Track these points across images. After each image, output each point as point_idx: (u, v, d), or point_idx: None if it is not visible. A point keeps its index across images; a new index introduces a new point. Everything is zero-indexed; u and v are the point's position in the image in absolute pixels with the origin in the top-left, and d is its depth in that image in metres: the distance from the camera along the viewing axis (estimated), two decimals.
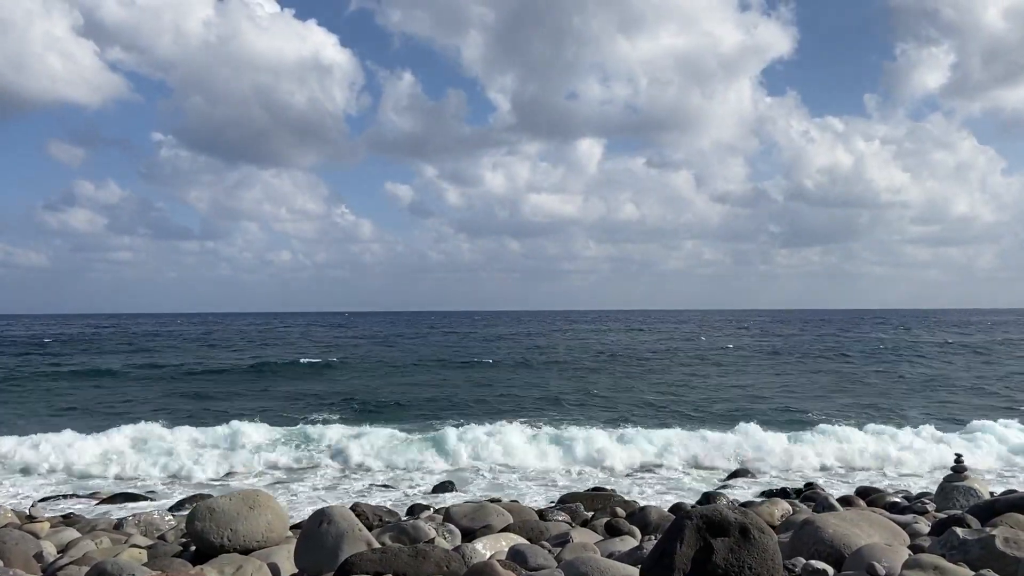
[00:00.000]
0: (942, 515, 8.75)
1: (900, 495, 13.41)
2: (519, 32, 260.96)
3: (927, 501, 11.50)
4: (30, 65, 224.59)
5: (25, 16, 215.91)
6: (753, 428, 20.03)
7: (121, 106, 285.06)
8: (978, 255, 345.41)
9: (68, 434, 19.51)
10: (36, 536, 9.36)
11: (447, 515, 10.20)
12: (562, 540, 8.50)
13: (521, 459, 18.32)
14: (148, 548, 8.36)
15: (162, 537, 10.15)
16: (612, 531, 9.53)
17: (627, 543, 8.29)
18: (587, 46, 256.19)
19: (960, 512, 8.40)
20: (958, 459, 11.55)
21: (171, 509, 13.41)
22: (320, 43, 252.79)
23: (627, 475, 17.02)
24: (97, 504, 14.76)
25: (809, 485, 15.15)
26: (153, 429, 20.82)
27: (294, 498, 15.12)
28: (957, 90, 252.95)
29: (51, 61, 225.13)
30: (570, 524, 10.61)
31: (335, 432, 20.35)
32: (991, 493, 10.94)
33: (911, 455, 18.07)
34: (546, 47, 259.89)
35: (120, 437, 19.62)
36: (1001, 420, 21.51)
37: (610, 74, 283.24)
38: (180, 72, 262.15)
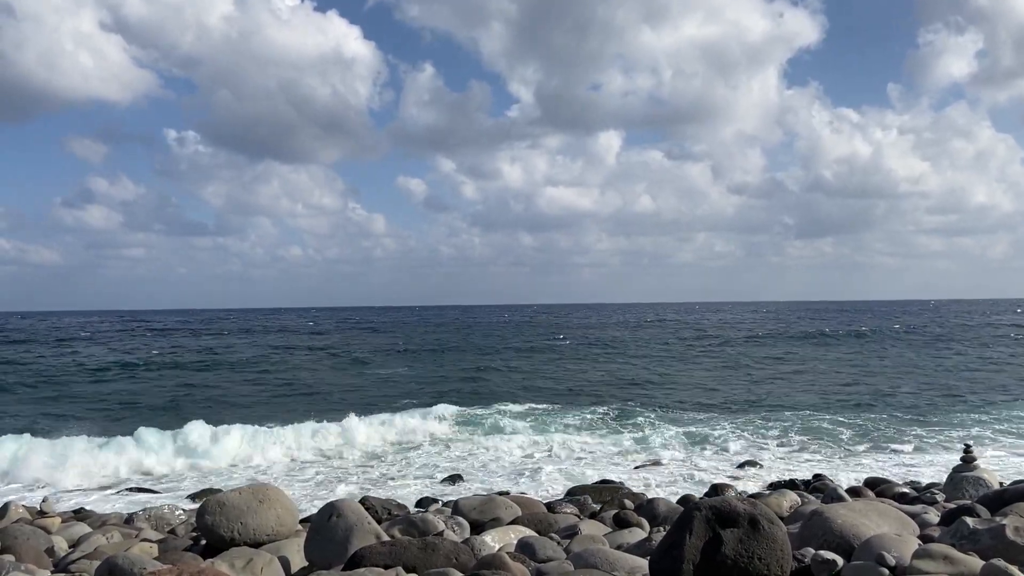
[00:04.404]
0: (951, 505, 8.73)
1: (909, 485, 13.38)
2: (542, 24, 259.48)
3: (936, 491, 11.46)
4: (57, 62, 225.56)
5: (53, 13, 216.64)
6: None
7: (143, 103, 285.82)
8: (992, 245, 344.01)
9: None
10: (47, 531, 9.43)
11: (456, 508, 10.22)
12: (571, 532, 8.52)
13: None
14: (159, 542, 8.41)
15: (172, 531, 10.21)
16: (620, 523, 9.52)
17: (636, 535, 8.29)
18: (611, 37, 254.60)
19: (969, 502, 8.38)
20: (967, 449, 11.51)
21: (181, 503, 13.47)
22: (342, 35, 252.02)
23: (636, 467, 17.02)
24: (109, 496, 14.85)
25: (817, 476, 15.14)
26: None
27: (303, 491, 15.18)
28: (984, 79, 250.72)
29: (79, 58, 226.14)
30: (578, 516, 10.62)
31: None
32: (1000, 483, 10.91)
33: None
34: (569, 39, 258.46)
35: None
36: None
37: (634, 65, 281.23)
38: (202, 68, 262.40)
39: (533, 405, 24.92)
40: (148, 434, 18.38)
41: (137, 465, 16.95)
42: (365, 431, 19.91)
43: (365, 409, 24.86)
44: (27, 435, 18.30)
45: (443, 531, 8.04)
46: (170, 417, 23.47)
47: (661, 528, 8.32)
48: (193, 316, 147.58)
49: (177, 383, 33.33)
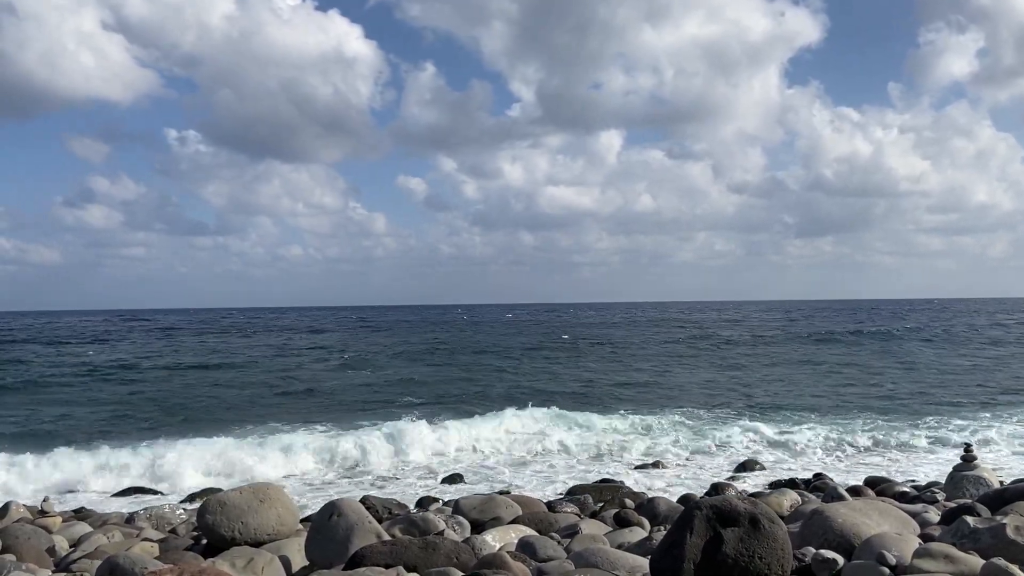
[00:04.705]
0: (952, 504, 8.73)
1: (909, 484, 13.39)
2: (543, 23, 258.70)
3: (936, 490, 11.46)
4: (58, 62, 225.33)
5: (55, 13, 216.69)
6: None
7: (145, 103, 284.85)
8: (992, 244, 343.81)
9: None
10: (48, 531, 9.44)
11: (456, 507, 10.23)
12: (571, 531, 8.51)
13: None
14: (159, 542, 8.42)
15: (173, 531, 10.22)
16: (621, 522, 9.52)
17: (636, 534, 8.29)
18: (612, 36, 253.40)
19: (970, 501, 8.38)
20: (967, 448, 11.51)
21: (182, 503, 13.48)
22: (343, 35, 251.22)
23: (636, 467, 17.03)
24: (109, 498, 14.86)
25: (818, 475, 15.14)
26: None
27: (303, 491, 15.19)
28: (986, 78, 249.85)
29: (80, 57, 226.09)
30: (579, 515, 10.62)
31: None
32: (1000, 482, 10.91)
33: None
34: (570, 38, 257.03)
35: None
36: None
37: (635, 64, 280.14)
38: (203, 68, 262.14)
39: (535, 405, 24.92)
40: (147, 450, 17.73)
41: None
42: (370, 437, 19.70)
43: (372, 410, 24.95)
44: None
45: (444, 530, 8.04)
46: (175, 421, 23.43)
47: (662, 527, 8.32)
48: (194, 316, 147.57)
49: (180, 384, 33.17)
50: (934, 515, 7.72)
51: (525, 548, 7.08)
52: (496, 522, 9.36)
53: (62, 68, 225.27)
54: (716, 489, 13.26)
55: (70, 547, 8.79)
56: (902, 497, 11.24)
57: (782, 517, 8.18)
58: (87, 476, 16.15)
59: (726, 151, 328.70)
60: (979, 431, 19.76)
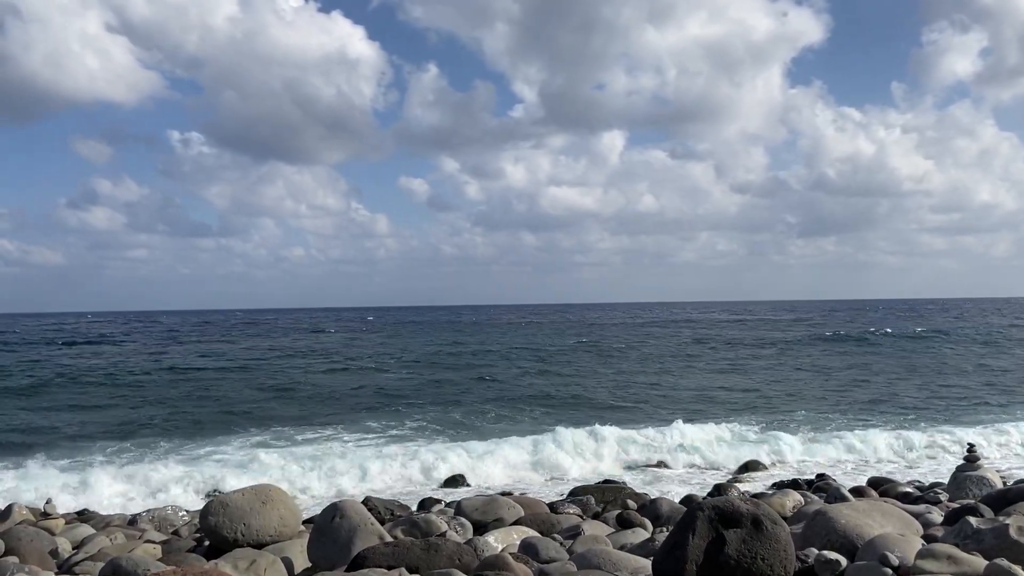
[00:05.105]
0: (955, 505, 8.71)
1: (912, 485, 13.36)
2: (545, 23, 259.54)
3: (940, 491, 11.44)
4: (62, 63, 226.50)
5: (59, 14, 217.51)
6: None
7: (149, 104, 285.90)
8: (994, 243, 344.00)
9: None
10: (51, 532, 9.44)
11: (458, 509, 10.22)
12: (573, 533, 8.51)
13: None
14: (162, 543, 8.42)
15: (176, 532, 10.22)
16: (623, 523, 9.50)
17: (639, 535, 8.28)
18: (615, 37, 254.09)
19: (973, 502, 8.37)
20: (971, 449, 11.50)
21: (184, 505, 13.47)
22: (346, 36, 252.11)
23: (639, 467, 17.02)
24: (112, 500, 14.85)
25: (821, 476, 15.12)
26: None
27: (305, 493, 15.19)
28: (989, 77, 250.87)
29: (85, 59, 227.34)
30: (581, 517, 10.60)
31: None
32: (1003, 482, 10.89)
33: None
34: (573, 38, 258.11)
35: None
36: None
37: (638, 65, 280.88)
38: (207, 69, 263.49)
39: (542, 406, 24.93)
40: (166, 467, 17.05)
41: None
42: (375, 439, 19.64)
43: (378, 409, 24.94)
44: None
45: (446, 532, 8.03)
46: (179, 424, 23.36)
47: (664, 528, 8.31)
48: (196, 317, 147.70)
49: (184, 387, 32.86)
50: (937, 516, 7.70)
51: (527, 549, 7.08)
52: (498, 523, 9.35)
53: (66, 70, 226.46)
54: (719, 490, 13.25)
55: (73, 549, 8.79)
56: (905, 498, 11.22)
57: (785, 518, 8.16)
58: (89, 478, 16.10)
59: (729, 151, 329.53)
60: (984, 431, 19.71)
